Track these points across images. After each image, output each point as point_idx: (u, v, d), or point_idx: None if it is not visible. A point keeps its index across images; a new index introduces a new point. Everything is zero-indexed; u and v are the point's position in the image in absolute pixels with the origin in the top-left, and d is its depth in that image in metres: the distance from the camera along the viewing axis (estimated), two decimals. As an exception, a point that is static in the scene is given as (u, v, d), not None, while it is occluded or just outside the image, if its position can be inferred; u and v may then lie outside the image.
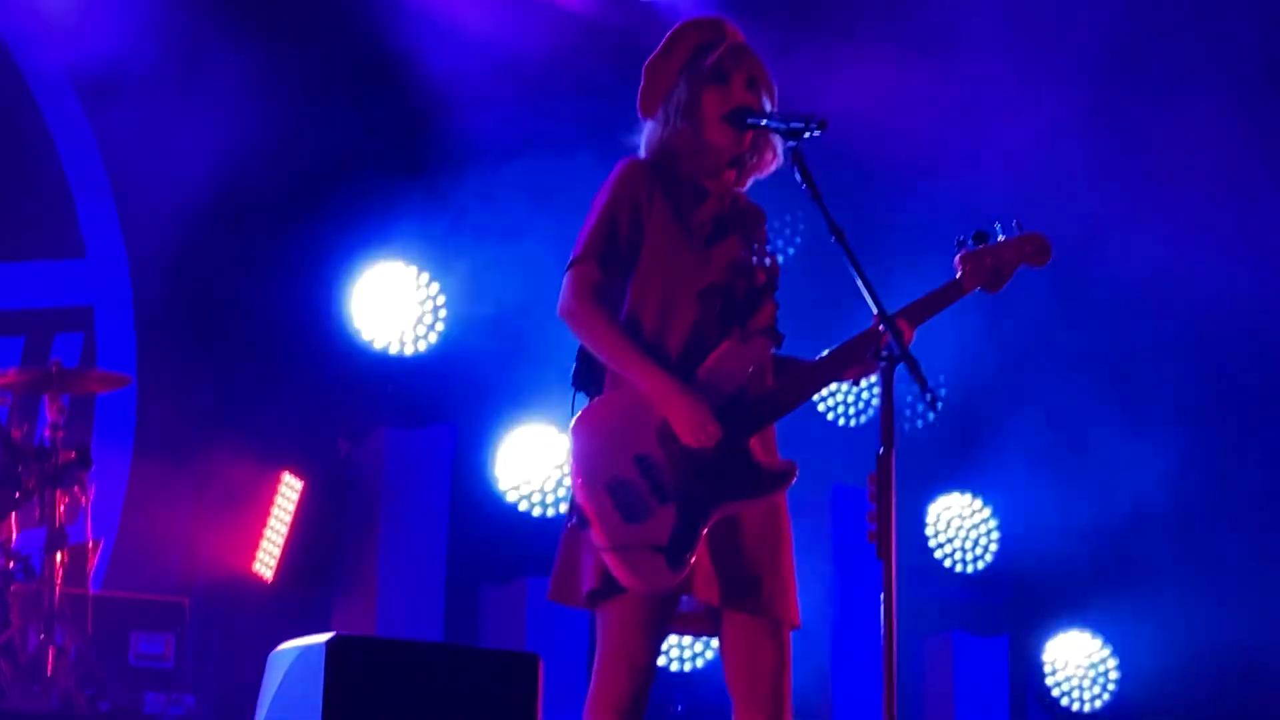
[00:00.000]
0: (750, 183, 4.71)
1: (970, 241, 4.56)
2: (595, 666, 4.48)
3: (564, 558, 4.54)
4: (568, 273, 4.55)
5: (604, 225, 4.53)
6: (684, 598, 4.47)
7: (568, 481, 9.12)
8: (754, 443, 4.47)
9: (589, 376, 4.60)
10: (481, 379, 9.13)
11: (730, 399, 4.43)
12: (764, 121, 4.48)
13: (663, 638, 4.50)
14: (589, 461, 4.40)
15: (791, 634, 4.52)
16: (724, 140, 4.58)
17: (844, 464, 9.30)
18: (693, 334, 4.49)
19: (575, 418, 4.47)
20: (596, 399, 4.52)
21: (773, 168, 4.67)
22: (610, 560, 4.33)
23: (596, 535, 4.35)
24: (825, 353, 4.47)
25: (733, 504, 4.42)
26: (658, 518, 4.34)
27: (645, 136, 4.70)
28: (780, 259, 4.72)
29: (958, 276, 4.54)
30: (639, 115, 4.72)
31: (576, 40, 9.22)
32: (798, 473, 4.48)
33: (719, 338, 4.50)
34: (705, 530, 4.36)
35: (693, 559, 4.33)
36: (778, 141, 4.59)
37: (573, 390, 4.61)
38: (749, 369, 4.47)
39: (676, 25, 4.75)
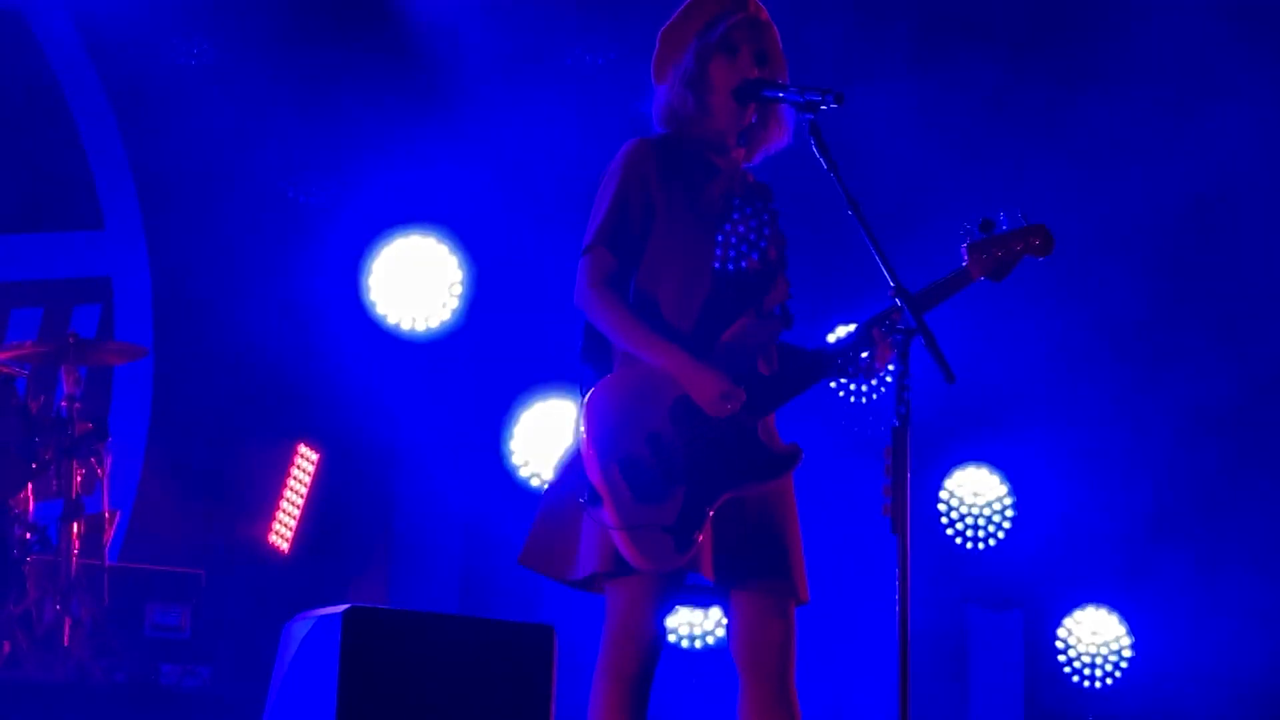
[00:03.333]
0: (759, 159, 4.66)
1: (976, 230, 4.51)
2: (603, 641, 4.47)
3: (554, 529, 4.48)
4: (581, 260, 4.51)
5: (614, 210, 4.50)
6: (690, 574, 4.46)
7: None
8: (759, 426, 4.45)
9: (596, 352, 4.57)
10: (500, 353, 9.13)
11: (741, 379, 4.39)
12: (780, 94, 4.44)
13: (669, 613, 4.49)
14: (602, 439, 4.34)
15: (799, 609, 4.51)
16: (728, 112, 4.54)
17: (856, 440, 9.28)
18: (705, 312, 4.47)
19: (589, 394, 4.41)
20: (610, 376, 4.48)
21: (781, 144, 4.62)
22: (620, 539, 4.29)
23: (609, 513, 4.30)
24: (835, 338, 4.44)
25: (740, 486, 4.39)
26: (669, 498, 4.32)
27: (655, 103, 4.67)
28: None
29: (965, 265, 4.51)
30: (653, 81, 4.69)
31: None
32: (802, 456, 4.45)
33: (733, 316, 4.47)
34: (712, 511, 4.34)
35: (700, 539, 4.31)
36: (787, 118, 4.57)
37: (580, 365, 4.57)
38: (763, 348, 4.45)
39: None
